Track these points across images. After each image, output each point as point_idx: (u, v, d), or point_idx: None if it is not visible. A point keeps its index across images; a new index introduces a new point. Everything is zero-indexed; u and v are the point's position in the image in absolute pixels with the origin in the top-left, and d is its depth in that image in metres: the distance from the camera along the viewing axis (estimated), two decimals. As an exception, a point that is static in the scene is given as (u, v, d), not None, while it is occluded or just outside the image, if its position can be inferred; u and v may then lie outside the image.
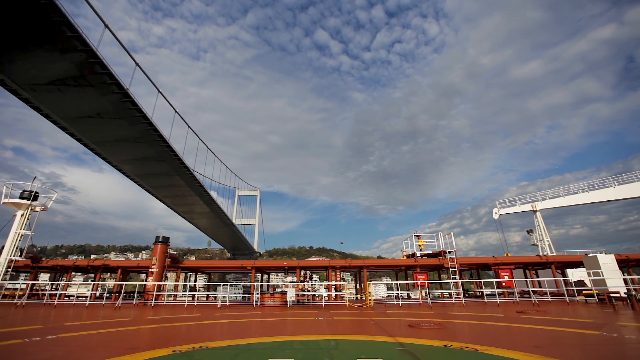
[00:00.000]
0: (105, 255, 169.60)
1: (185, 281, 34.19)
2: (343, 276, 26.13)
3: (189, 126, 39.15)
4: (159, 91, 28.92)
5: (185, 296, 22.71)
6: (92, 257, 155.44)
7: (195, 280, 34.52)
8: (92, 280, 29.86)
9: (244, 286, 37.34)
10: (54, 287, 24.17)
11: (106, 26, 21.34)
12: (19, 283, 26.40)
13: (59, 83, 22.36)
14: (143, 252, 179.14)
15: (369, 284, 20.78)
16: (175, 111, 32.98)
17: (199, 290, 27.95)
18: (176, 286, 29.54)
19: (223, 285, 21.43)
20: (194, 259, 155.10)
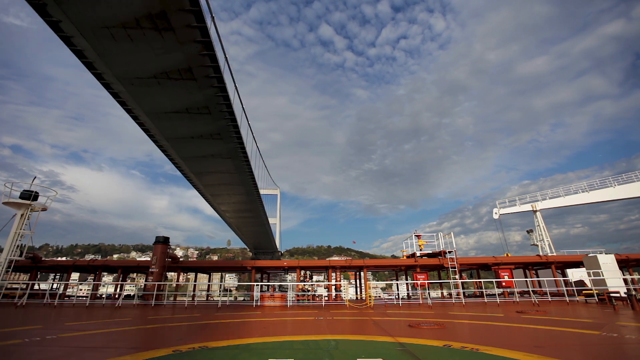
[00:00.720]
0: (126, 255, 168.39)
1: (190, 281, 34.20)
2: (343, 276, 26.16)
3: (250, 126, 38.01)
4: (236, 88, 28.27)
5: (220, 297, 22.34)
6: (115, 256, 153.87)
7: (195, 280, 34.56)
8: (92, 280, 29.88)
9: (280, 286, 36.90)
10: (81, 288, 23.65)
11: (212, 18, 20.09)
12: (22, 283, 26.42)
13: (163, 76, 20.67)
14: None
15: (369, 284, 20.78)
16: (243, 109, 32.40)
17: (230, 290, 27.53)
18: (177, 286, 29.57)
19: (258, 284, 21.22)
20: (216, 258, 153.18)
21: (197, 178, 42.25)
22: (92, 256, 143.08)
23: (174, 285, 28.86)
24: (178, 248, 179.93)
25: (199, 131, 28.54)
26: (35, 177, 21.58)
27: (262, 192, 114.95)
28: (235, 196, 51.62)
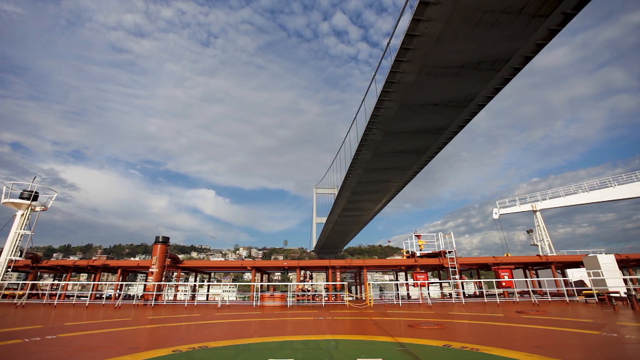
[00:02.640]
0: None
1: (189, 282, 34.17)
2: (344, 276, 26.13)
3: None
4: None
5: (220, 297, 22.13)
6: (142, 257, 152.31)
7: (195, 280, 34.53)
8: (92, 280, 29.88)
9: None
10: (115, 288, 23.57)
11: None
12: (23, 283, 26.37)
13: (470, 67, 20.85)
14: (193, 252, 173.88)
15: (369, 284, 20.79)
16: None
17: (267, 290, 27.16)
18: (177, 286, 29.58)
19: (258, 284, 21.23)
20: (281, 258, 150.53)
21: (367, 173, 42.01)
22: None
23: (174, 285, 28.87)
24: (242, 248, 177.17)
25: (427, 126, 28.80)
26: (35, 177, 21.58)
27: (318, 191, 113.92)
28: (377, 193, 50.62)
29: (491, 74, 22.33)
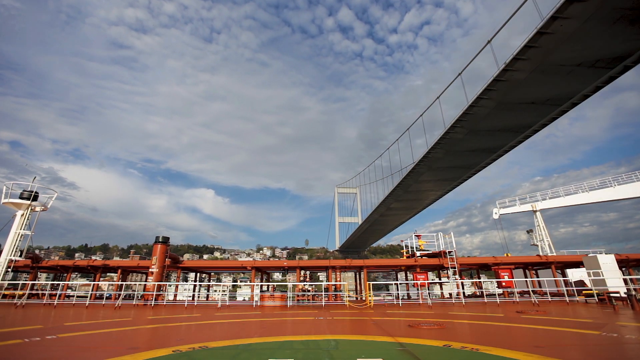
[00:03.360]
0: (103, 256, 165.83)
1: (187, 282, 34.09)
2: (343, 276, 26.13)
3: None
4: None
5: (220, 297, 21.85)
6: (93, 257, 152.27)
7: (195, 280, 34.54)
8: (92, 280, 29.88)
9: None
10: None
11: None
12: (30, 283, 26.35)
13: (586, 65, 20.85)
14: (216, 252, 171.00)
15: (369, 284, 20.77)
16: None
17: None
18: (176, 286, 29.58)
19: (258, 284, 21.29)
20: (306, 258, 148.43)
21: (431, 171, 43.03)
22: (95, 257, 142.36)
23: (174, 285, 28.87)
24: (265, 248, 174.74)
25: (509, 124, 29.48)
26: (35, 177, 21.58)
27: (339, 190, 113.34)
28: (412, 193, 52.16)
29: (603, 72, 22.39)
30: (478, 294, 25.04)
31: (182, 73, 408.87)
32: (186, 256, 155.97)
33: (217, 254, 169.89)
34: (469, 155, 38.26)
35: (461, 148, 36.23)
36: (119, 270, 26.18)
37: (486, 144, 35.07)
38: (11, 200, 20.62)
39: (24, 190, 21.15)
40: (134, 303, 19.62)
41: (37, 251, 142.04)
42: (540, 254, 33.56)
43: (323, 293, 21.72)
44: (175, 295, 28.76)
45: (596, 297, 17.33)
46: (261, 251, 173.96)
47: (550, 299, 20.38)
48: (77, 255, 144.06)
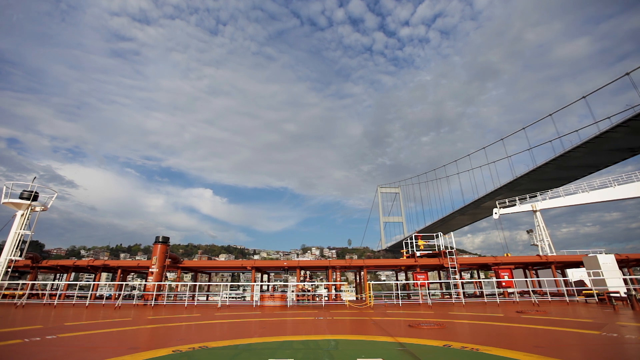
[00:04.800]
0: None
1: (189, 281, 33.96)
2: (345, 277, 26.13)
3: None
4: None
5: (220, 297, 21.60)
6: (203, 257, 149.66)
7: (195, 280, 34.54)
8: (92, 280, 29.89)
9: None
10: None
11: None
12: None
13: None
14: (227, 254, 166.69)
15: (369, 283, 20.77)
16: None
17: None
18: (177, 286, 29.58)
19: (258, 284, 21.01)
20: (356, 257, 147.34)
21: (558, 170, 47.33)
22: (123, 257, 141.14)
23: (174, 285, 28.89)
24: (314, 248, 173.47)
25: None
26: (35, 177, 21.58)
27: (382, 190, 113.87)
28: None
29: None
30: (478, 293, 25.04)
31: (186, 67, 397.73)
32: (222, 256, 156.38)
33: (256, 256, 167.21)
34: (607, 154, 42.43)
35: (608, 147, 39.00)
36: (119, 270, 26.19)
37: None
38: (11, 200, 20.63)
39: (24, 191, 21.16)
40: (134, 303, 19.63)
41: (81, 252, 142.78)
42: (540, 254, 33.57)
43: (323, 293, 21.73)
44: (175, 296, 28.74)
45: (596, 297, 17.33)
46: (310, 251, 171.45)
47: (550, 299, 20.38)
48: (122, 255, 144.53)
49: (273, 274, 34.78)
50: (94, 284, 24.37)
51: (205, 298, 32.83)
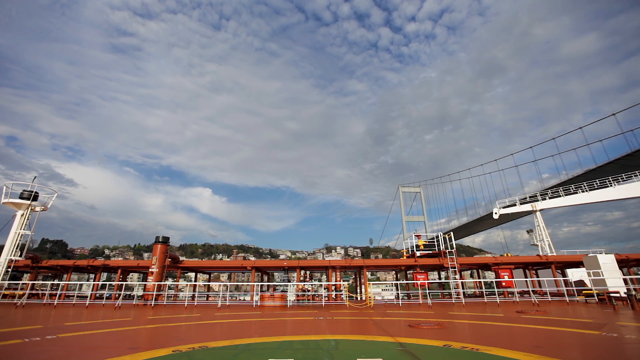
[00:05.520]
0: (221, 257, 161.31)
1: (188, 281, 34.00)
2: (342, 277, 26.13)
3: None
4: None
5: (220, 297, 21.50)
6: (240, 257, 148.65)
7: (195, 280, 34.56)
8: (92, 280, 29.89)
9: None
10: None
11: None
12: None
13: None
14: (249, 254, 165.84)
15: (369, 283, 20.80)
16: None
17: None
18: (176, 286, 29.62)
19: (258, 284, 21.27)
20: (381, 257, 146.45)
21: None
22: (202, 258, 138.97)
23: (174, 285, 28.90)
24: (338, 247, 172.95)
25: None
26: (35, 177, 21.59)
27: (403, 190, 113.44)
28: None
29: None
30: (478, 293, 25.04)
31: (188, 63, 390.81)
32: (240, 256, 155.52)
33: (282, 256, 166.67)
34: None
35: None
36: (119, 270, 26.20)
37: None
38: (11, 200, 20.64)
39: (24, 190, 21.16)
40: (134, 303, 19.63)
41: (106, 251, 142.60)
42: (540, 253, 33.58)
43: (323, 293, 21.73)
44: (175, 296, 28.78)
45: (596, 297, 17.33)
46: (334, 251, 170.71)
47: (550, 299, 20.38)
48: (146, 255, 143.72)
49: (277, 274, 34.83)
50: (93, 284, 24.37)
51: (205, 298, 32.87)
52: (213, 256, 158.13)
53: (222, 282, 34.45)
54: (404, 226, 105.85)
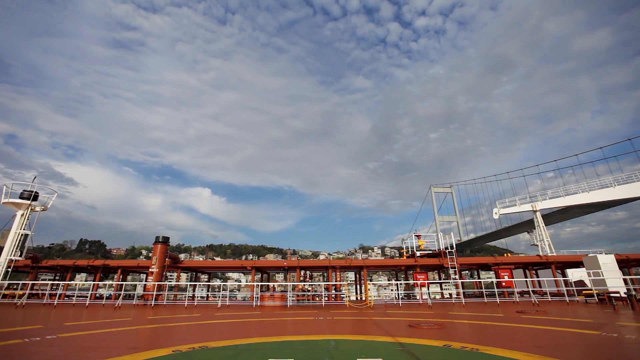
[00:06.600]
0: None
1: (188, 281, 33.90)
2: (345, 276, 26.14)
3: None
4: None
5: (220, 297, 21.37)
6: (262, 257, 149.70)
7: (195, 280, 34.54)
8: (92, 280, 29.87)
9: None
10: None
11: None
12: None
13: None
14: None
15: (369, 283, 20.79)
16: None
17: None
18: (177, 286, 29.58)
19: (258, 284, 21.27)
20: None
21: None
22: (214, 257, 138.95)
23: (174, 285, 28.88)
24: (375, 247, 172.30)
25: None
26: (35, 177, 21.59)
27: (435, 190, 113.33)
28: None
29: None
30: (478, 293, 25.05)
31: (192, 59, 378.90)
32: (269, 256, 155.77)
33: (321, 257, 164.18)
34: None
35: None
36: (119, 270, 26.20)
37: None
38: (11, 200, 20.64)
39: (24, 190, 21.16)
40: (134, 303, 19.63)
41: (142, 251, 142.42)
42: (540, 253, 33.58)
43: (323, 293, 21.72)
44: (175, 296, 28.76)
45: (596, 297, 17.32)
46: (371, 250, 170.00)
47: (550, 299, 20.38)
48: (182, 256, 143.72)
49: (280, 274, 34.69)
50: (93, 284, 24.37)
51: (205, 298, 32.86)
52: (244, 257, 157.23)
53: (278, 282, 33.90)
54: (437, 226, 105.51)
